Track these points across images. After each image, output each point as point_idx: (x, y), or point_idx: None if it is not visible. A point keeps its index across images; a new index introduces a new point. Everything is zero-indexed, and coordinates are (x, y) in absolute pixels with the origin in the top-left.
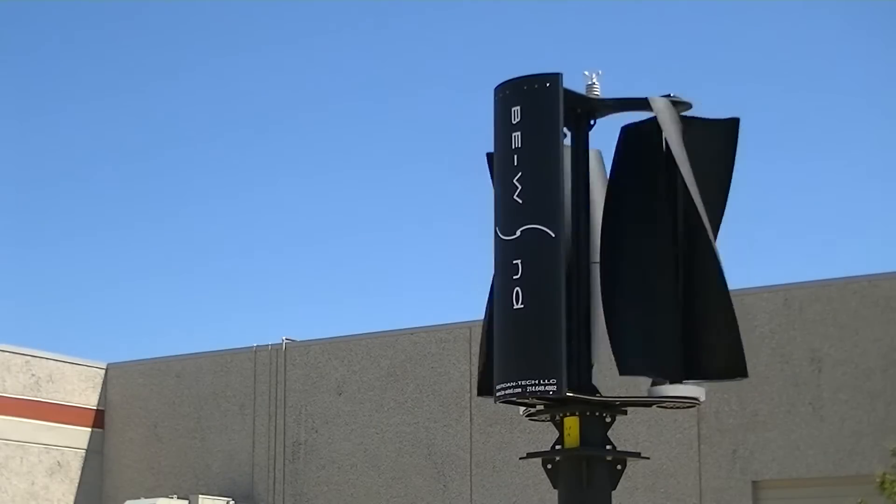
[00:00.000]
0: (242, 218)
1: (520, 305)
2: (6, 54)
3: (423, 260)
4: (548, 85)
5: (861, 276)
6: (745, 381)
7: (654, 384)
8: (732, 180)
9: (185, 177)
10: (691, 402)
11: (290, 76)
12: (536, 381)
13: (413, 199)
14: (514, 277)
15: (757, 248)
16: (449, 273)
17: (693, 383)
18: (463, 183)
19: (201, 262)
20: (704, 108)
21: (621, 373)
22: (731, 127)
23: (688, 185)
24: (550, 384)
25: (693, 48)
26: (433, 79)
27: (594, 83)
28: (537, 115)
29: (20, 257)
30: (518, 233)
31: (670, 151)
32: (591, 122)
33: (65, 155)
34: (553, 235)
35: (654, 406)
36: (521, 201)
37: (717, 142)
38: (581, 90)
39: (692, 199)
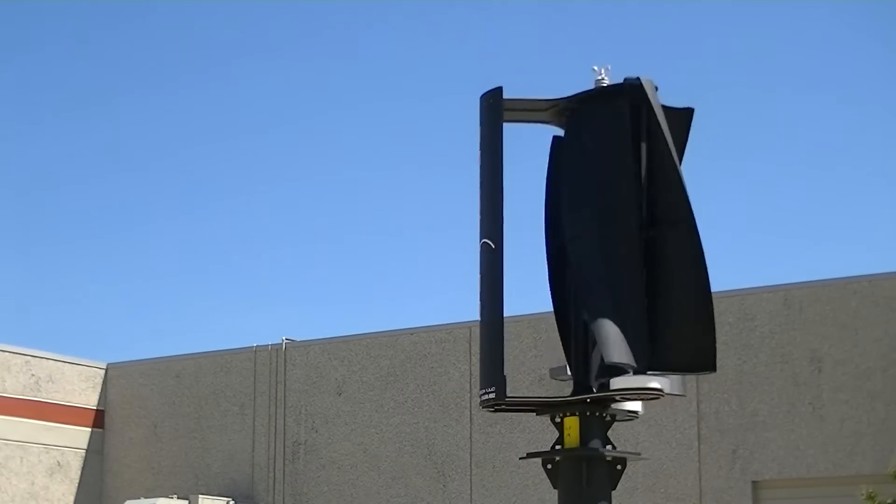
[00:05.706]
0: (242, 218)
1: (479, 317)
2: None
3: (424, 260)
4: (490, 101)
5: (861, 276)
6: (745, 381)
7: (608, 377)
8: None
9: (185, 177)
10: (654, 393)
11: (292, 77)
12: (485, 390)
13: (413, 199)
14: (480, 291)
15: (757, 248)
16: (449, 273)
17: (659, 374)
18: (464, 183)
19: (201, 262)
20: (704, 107)
21: (607, 361)
22: (685, 116)
23: (677, 169)
24: (491, 392)
25: (692, 49)
26: (437, 81)
27: (603, 77)
28: (485, 132)
29: (20, 257)
30: (480, 247)
31: (649, 133)
32: None
33: (65, 155)
34: (493, 246)
35: (618, 398)
36: (480, 217)
37: (673, 130)
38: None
39: (669, 185)
